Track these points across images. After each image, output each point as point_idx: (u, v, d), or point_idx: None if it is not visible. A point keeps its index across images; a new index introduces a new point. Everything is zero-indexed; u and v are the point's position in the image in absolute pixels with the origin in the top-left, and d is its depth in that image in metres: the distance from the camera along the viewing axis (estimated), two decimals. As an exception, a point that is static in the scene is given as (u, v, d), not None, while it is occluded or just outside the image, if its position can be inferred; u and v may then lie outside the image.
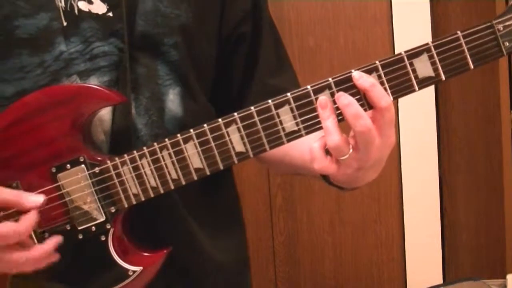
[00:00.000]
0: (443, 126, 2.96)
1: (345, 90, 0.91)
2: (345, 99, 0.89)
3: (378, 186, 2.97)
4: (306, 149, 1.02)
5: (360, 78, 0.90)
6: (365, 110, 0.90)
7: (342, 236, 3.04)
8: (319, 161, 0.93)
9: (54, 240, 0.96)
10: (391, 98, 0.91)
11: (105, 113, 1.02)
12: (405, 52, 0.91)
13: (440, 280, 2.95)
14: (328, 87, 0.91)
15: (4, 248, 0.93)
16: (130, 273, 0.99)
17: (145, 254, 1.01)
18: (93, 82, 1.02)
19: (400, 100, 3.02)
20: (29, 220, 0.94)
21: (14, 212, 0.96)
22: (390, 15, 2.89)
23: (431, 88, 2.84)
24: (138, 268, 0.99)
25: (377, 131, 0.89)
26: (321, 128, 0.92)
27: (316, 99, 0.92)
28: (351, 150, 0.90)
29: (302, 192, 3.02)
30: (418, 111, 2.84)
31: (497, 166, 2.88)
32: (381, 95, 0.89)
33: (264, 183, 3.03)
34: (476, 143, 2.98)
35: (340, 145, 0.89)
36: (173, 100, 1.07)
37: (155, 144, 0.96)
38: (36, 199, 0.96)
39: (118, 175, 0.97)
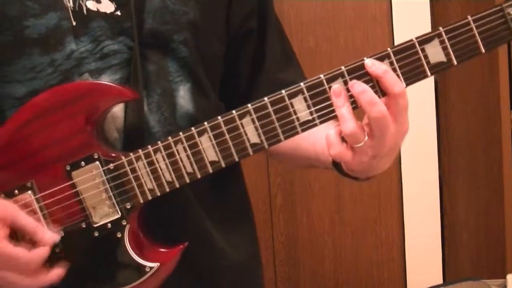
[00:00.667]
0: (443, 126, 2.97)
1: (358, 78, 0.91)
2: (359, 87, 0.90)
3: (378, 186, 2.98)
4: (318, 140, 1.02)
5: (372, 65, 0.91)
6: (379, 97, 0.91)
7: (342, 236, 3.04)
8: (335, 147, 0.93)
9: (59, 271, 0.97)
10: (404, 84, 0.91)
11: (118, 110, 1.02)
12: (416, 38, 0.91)
13: (440, 280, 2.95)
14: (341, 75, 0.92)
15: (11, 269, 0.93)
16: (147, 269, 0.99)
17: (162, 250, 1.01)
18: (105, 80, 1.02)
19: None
20: (42, 253, 0.95)
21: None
22: (390, 15, 2.89)
23: (431, 88, 2.85)
24: (155, 264, 0.99)
25: (391, 117, 0.90)
26: (335, 116, 0.92)
27: (330, 87, 0.92)
28: (366, 137, 0.91)
29: (302, 192, 3.02)
30: (418, 111, 2.84)
31: (497, 166, 2.88)
32: (394, 81, 0.90)
33: (264, 183, 3.03)
34: (476, 143, 2.98)
35: (356, 131, 0.90)
36: (184, 97, 1.07)
37: (170, 138, 0.96)
38: (52, 236, 0.96)
39: (133, 170, 0.97)
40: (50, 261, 0.96)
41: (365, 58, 0.91)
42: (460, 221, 3.02)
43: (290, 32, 2.92)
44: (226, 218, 1.17)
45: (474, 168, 3.00)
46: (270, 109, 0.93)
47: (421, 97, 2.80)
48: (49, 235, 0.96)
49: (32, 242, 0.95)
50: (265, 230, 3.06)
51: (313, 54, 2.95)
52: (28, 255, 0.93)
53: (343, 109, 0.91)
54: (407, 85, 0.92)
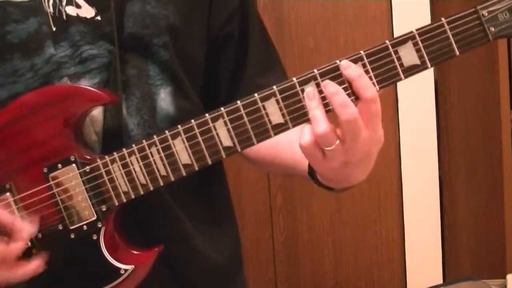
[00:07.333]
0: (443, 126, 2.96)
1: (331, 80, 0.90)
2: (332, 88, 0.88)
3: (378, 186, 2.97)
4: (297, 150, 1.01)
5: (348, 67, 0.89)
6: (352, 101, 0.89)
7: (342, 236, 3.04)
8: (306, 137, 0.90)
9: (37, 262, 0.97)
10: (377, 87, 0.90)
11: (97, 113, 1.03)
12: (390, 40, 0.90)
13: (440, 280, 2.94)
14: (314, 78, 0.91)
15: None
16: (122, 272, 0.99)
17: (137, 252, 1.01)
18: (84, 84, 1.02)
19: (400, 99, 3.00)
20: (18, 246, 0.95)
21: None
22: (390, 15, 2.88)
23: (431, 88, 2.84)
24: (129, 267, 0.99)
25: (364, 123, 0.88)
26: (308, 120, 0.91)
27: (302, 90, 0.91)
28: (338, 141, 0.89)
29: (302, 192, 3.02)
30: (418, 111, 2.84)
31: (497, 166, 2.87)
32: (367, 86, 0.88)
33: (264, 183, 3.03)
34: (476, 143, 2.97)
35: (328, 133, 0.88)
36: (164, 99, 1.08)
37: (144, 141, 0.97)
38: (29, 229, 0.97)
39: (108, 172, 0.98)
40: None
41: (337, 61, 0.90)
42: (460, 221, 3.02)
43: (290, 32, 2.93)
44: (208, 220, 1.17)
45: (474, 168, 2.99)
46: (243, 111, 0.93)
47: (421, 97, 2.80)
48: (26, 228, 0.97)
49: (8, 236, 0.96)
50: (265, 230, 3.06)
51: (313, 54, 2.94)
52: (3, 248, 0.94)
53: (316, 110, 0.89)
54: (381, 88, 0.90)
